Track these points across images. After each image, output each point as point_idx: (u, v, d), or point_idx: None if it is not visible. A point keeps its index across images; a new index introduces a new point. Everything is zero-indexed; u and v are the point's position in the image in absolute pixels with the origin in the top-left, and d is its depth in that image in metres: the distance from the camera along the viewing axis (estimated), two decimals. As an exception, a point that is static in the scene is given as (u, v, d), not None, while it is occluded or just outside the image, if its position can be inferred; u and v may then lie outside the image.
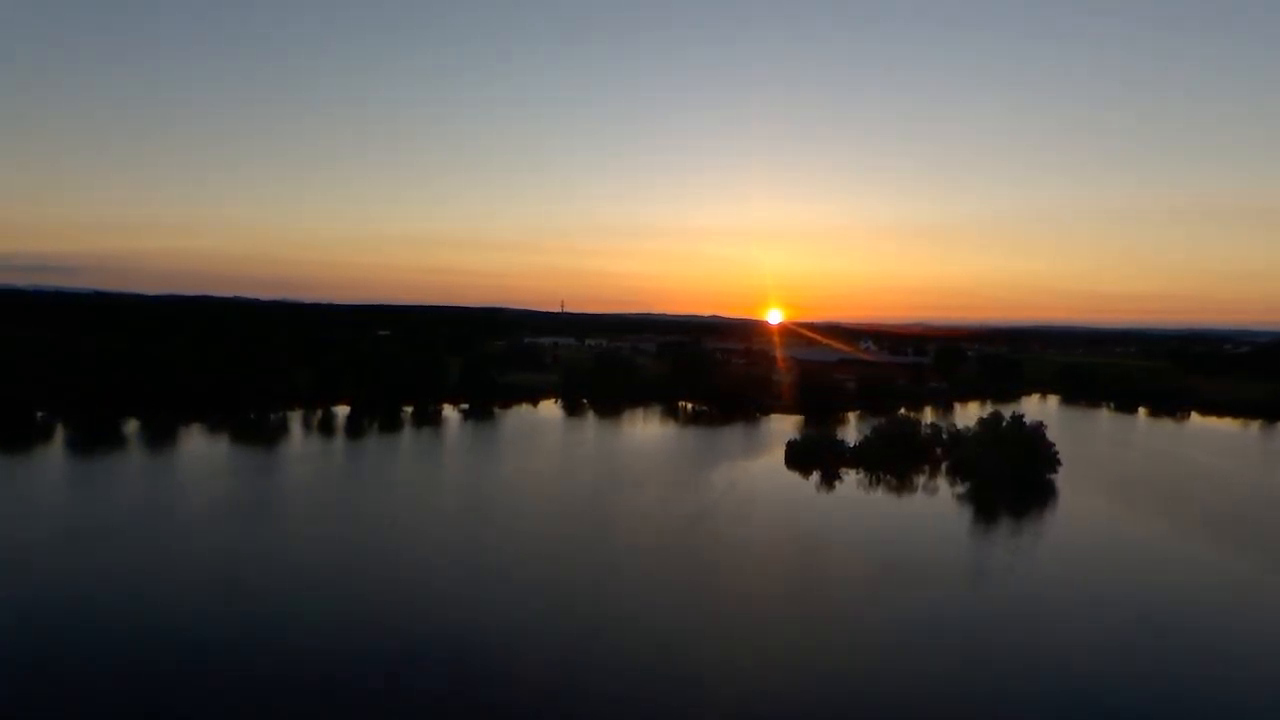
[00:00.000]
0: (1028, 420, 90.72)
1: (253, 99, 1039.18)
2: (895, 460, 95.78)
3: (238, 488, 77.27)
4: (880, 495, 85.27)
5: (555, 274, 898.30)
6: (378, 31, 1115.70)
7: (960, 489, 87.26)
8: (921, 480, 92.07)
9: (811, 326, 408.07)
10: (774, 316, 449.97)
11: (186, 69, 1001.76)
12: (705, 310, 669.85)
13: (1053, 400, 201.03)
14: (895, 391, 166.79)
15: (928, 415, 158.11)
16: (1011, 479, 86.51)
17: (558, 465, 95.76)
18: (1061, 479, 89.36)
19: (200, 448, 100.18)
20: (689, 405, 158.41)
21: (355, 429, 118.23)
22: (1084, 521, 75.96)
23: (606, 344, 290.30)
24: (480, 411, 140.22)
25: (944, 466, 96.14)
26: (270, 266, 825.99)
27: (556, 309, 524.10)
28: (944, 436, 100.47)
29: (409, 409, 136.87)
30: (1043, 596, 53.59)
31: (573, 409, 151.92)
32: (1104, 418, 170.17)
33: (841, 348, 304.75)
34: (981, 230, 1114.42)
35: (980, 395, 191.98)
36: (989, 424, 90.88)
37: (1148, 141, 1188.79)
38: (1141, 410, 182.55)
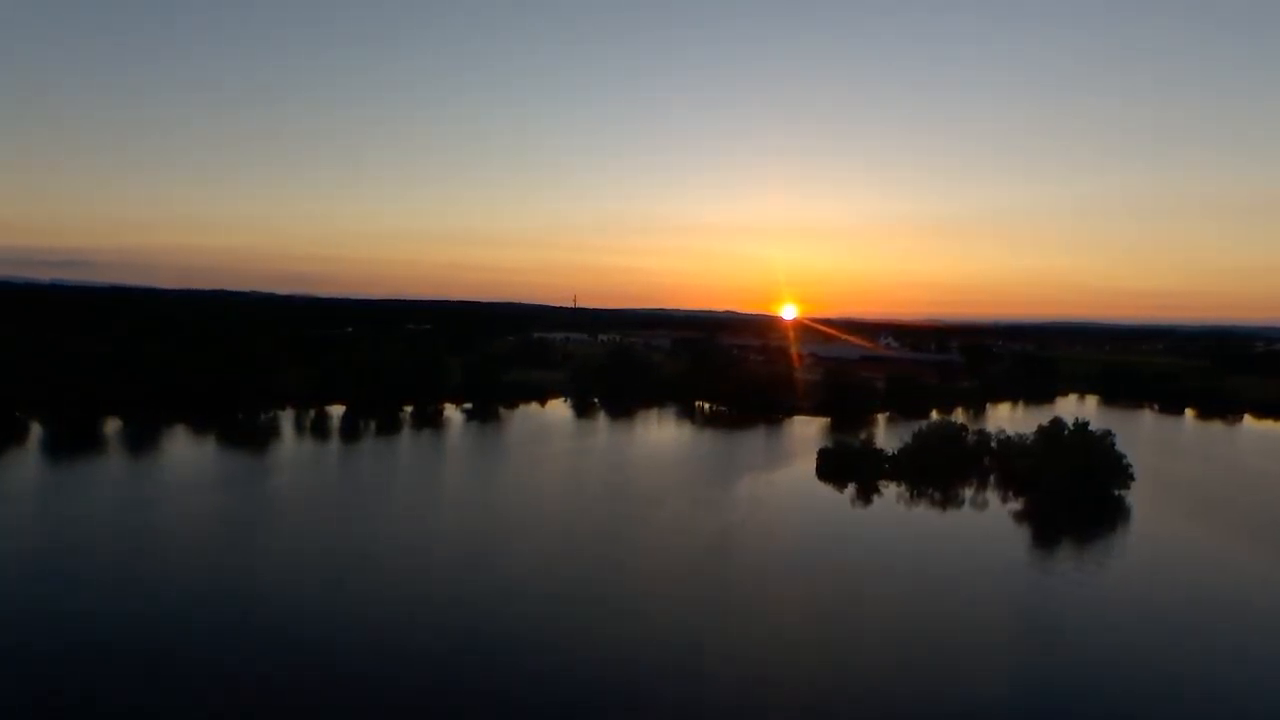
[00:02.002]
0: (1094, 427, 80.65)
1: (270, 97, 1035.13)
2: (939, 471, 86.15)
3: (199, 500, 68.39)
4: (927, 514, 75.65)
5: (568, 269, 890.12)
6: (391, 30, 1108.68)
7: (1016, 505, 77.54)
8: (969, 494, 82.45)
9: (827, 322, 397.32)
10: (788, 312, 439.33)
11: (204, 67, 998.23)
12: (719, 306, 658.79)
13: (1091, 401, 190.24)
14: (926, 391, 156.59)
15: (960, 417, 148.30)
16: (1077, 495, 76.64)
17: (563, 476, 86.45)
18: (1134, 496, 79.12)
19: (176, 452, 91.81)
20: (706, 405, 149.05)
21: (349, 431, 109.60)
22: (1177, 553, 65.64)
23: (619, 340, 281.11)
24: (484, 412, 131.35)
25: (992, 478, 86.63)
26: (288, 262, 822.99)
27: (569, 304, 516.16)
28: (993, 444, 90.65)
29: (409, 409, 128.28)
30: (1158, 666, 43.85)
31: (582, 409, 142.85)
32: (1151, 420, 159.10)
33: (863, 344, 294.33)
34: (999, 225, 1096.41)
35: (1013, 395, 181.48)
36: (1049, 431, 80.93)
37: (1169, 135, 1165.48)
38: (1188, 412, 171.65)
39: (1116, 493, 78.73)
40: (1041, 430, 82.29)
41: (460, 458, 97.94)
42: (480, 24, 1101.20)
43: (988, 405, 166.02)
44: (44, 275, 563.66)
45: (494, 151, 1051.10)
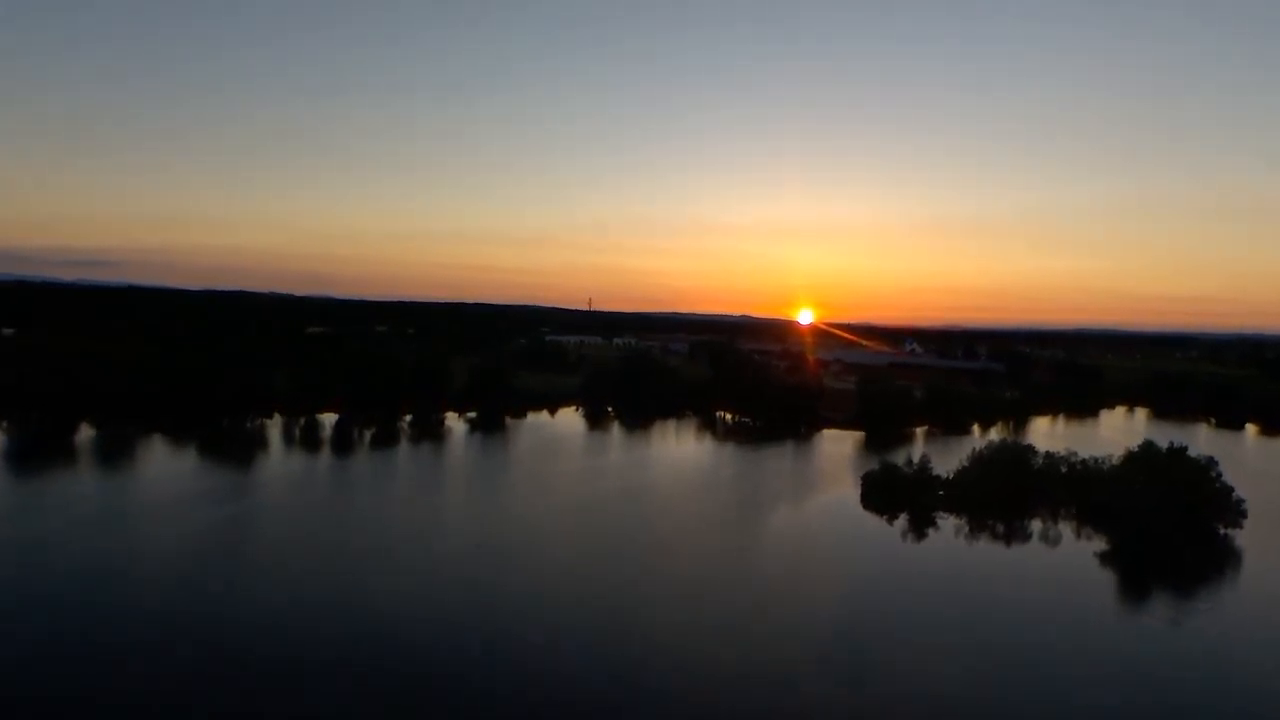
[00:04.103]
0: (1193, 452, 68.85)
1: (291, 99, 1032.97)
2: (1003, 501, 74.68)
3: (153, 526, 58.12)
4: (997, 556, 64.37)
5: (583, 271, 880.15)
6: (410, 32, 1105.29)
7: (1098, 544, 65.95)
8: (1039, 529, 70.97)
9: (846, 327, 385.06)
10: (805, 317, 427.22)
11: (227, 69, 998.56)
12: (735, 309, 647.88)
13: (1140, 413, 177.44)
14: (966, 402, 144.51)
15: (1003, 430, 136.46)
16: (1175, 533, 64.82)
17: (574, 504, 74.83)
18: (1243, 535, 67.07)
19: (140, 466, 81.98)
20: (728, 416, 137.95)
21: (340, 443, 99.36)
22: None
23: (635, 343, 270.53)
24: (489, 422, 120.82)
25: (1061, 510, 75.01)
26: (308, 262, 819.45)
27: (584, 306, 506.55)
28: (1063, 469, 79.05)
29: (408, 417, 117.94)
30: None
31: (596, 419, 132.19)
32: (1213, 437, 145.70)
33: (888, 350, 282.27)
34: (1023, 228, 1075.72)
35: (1057, 407, 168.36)
36: (1140, 457, 69.27)
37: (1197, 138, 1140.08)
38: (1249, 426, 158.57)
39: (1222, 531, 66.99)
40: (1130, 456, 70.64)
41: (457, 480, 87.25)
42: (499, 25, 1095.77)
43: (1031, 417, 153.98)
44: (68, 275, 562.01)
45: (511, 153, 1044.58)
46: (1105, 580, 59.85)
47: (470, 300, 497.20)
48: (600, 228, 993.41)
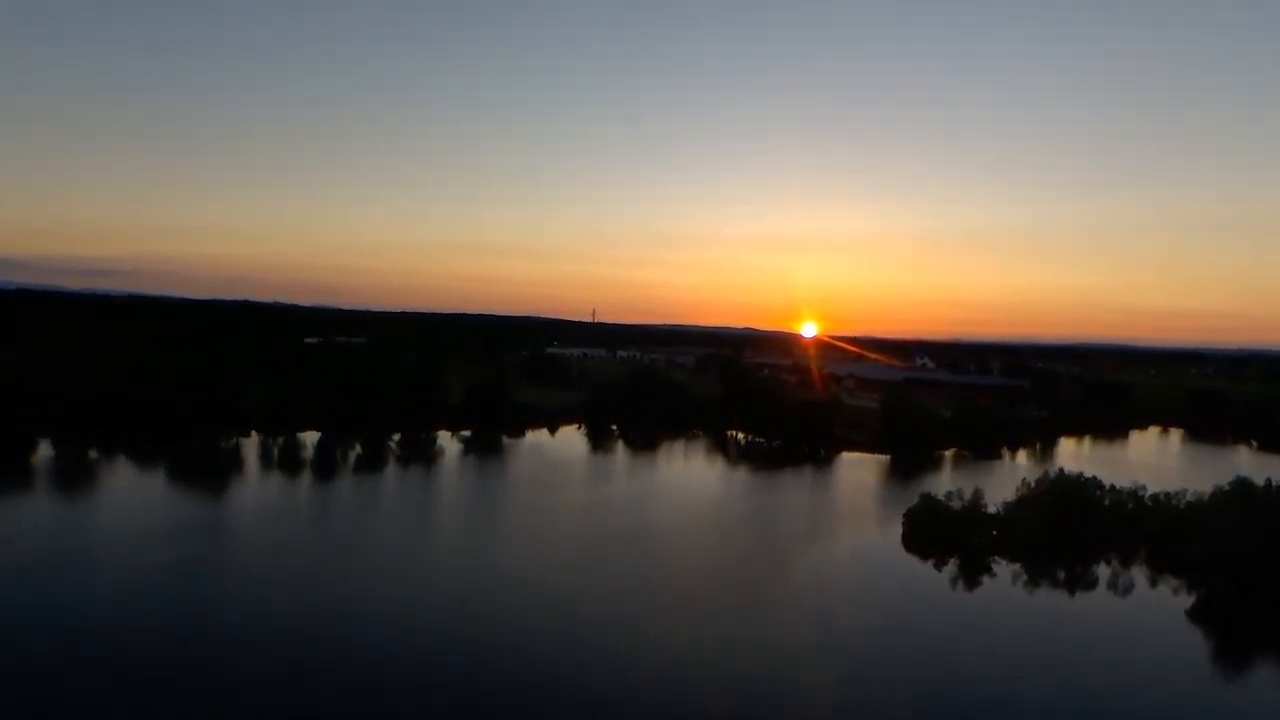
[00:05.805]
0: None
1: (298, 108, 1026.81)
2: (1064, 542, 65.55)
3: (104, 566, 48.99)
4: (1072, 611, 55.17)
5: (587, 282, 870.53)
6: (415, 43, 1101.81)
7: (1184, 598, 56.84)
8: (1107, 575, 62.01)
9: (851, 340, 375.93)
10: (809, 329, 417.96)
11: (235, 78, 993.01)
12: (739, 322, 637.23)
13: (1174, 434, 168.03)
14: (995, 422, 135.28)
15: (1033, 452, 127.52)
16: (1272, 584, 55.62)
17: (573, 549, 64.53)
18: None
19: (91, 491, 72.85)
20: (740, 435, 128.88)
21: (320, 466, 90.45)
22: None
23: (640, 356, 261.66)
24: (484, 442, 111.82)
25: (1132, 554, 65.89)
26: (313, 273, 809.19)
27: (589, 318, 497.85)
28: (1129, 506, 69.93)
29: (397, 435, 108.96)
30: None
31: (599, 438, 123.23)
32: (1261, 462, 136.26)
33: (899, 365, 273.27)
34: (1030, 241, 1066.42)
35: (1084, 426, 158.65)
36: (1233, 496, 60.01)
37: (1205, 151, 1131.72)
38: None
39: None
40: (1220, 493, 61.43)
41: (443, 513, 77.98)
42: (504, 38, 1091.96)
43: (1059, 438, 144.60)
44: (76, 284, 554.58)
45: (516, 165, 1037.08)
46: (1204, 645, 50.92)
47: (472, 311, 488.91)
48: (604, 239, 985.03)
